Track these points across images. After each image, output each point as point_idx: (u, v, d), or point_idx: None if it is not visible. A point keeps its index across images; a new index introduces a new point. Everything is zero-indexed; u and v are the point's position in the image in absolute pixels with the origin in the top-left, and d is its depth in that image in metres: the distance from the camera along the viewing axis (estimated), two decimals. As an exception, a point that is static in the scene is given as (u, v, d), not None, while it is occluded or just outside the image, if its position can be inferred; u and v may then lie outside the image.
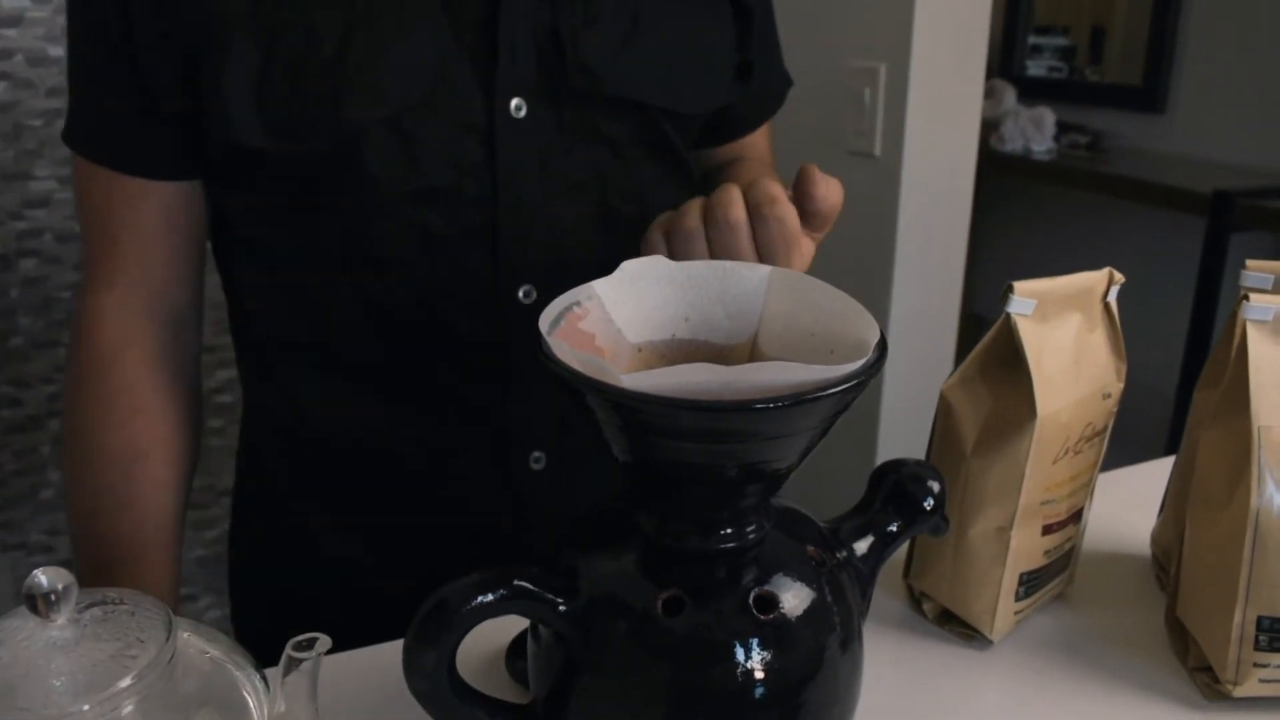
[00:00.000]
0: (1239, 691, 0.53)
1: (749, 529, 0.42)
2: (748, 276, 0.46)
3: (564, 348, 0.38)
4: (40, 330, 1.49)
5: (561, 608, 0.41)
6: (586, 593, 0.41)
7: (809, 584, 0.42)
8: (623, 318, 0.46)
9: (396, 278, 0.63)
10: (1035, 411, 0.53)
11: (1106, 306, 0.58)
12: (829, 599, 0.43)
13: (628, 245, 0.57)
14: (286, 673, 0.43)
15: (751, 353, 0.46)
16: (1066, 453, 0.56)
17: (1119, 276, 0.57)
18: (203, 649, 0.46)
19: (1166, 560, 0.65)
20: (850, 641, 0.44)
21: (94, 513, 0.65)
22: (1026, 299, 0.53)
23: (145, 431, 0.66)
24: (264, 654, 0.46)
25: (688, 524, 0.42)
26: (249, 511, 0.79)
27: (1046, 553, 0.59)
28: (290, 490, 0.74)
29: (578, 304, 0.44)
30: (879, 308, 1.54)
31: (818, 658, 0.42)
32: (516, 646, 0.58)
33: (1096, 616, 0.63)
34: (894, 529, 0.48)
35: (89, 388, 0.66)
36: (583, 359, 0.37)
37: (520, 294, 0.64)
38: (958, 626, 0.60)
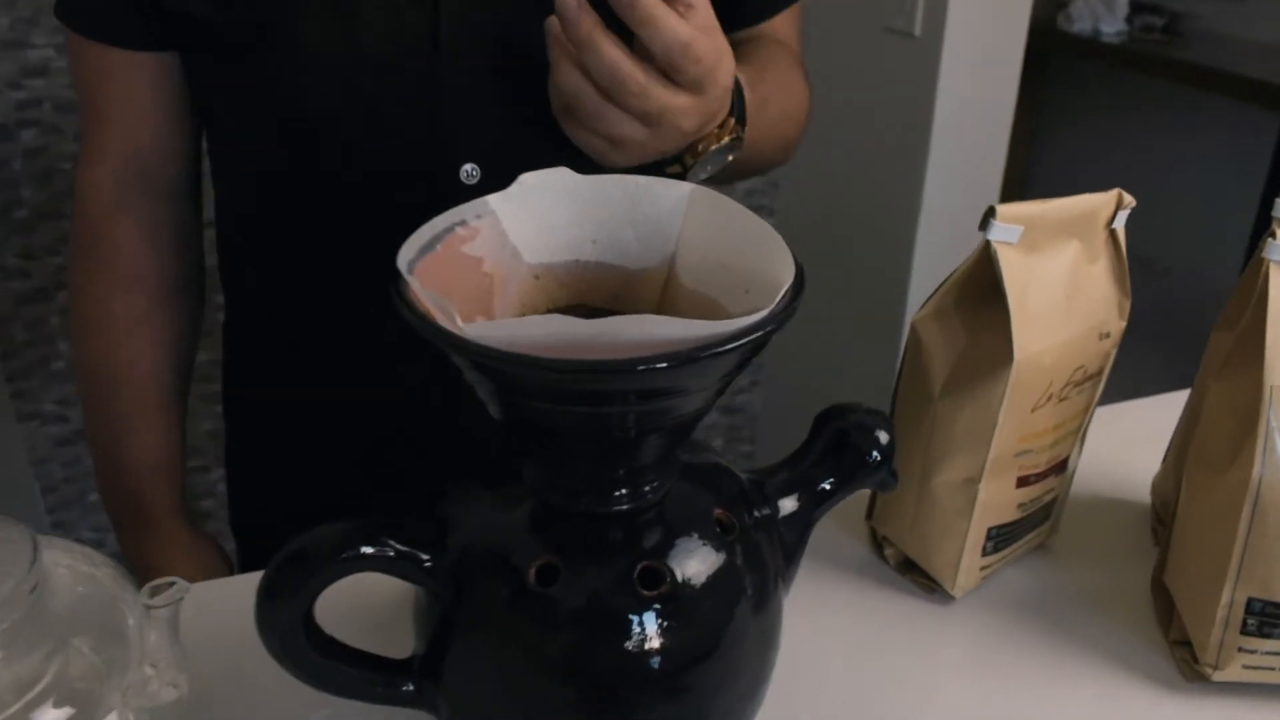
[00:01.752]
0: (1219, 676, 0.48)
1: (644, 488, 0.37)
2: (664, 195, 0.39)
3: (418, 286, 0.32)
4: (44, 202, 1.46)
5: (426, 564, 0.37)
6: (456, 548, 0.37)
7: (711, 553, 0.37)
8: (521, 238, 0.40)
9: (336, 152, 0.61)
10: (1012, 354, 0.47)
11: (1112, 234, 0.50)
12: (738, 566, 0.38)
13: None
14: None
15: (666, 281, 0.40)
16: (1049, 399, 0.50)
17: (1129, 199, 0.49)
18: (82, 571, 0.44)
19: (1165, 513, 0.58)
20: (763, 612, 0.39)
21: (98, 376, 0.68)
22: (1010, 225, 0.46)
23: (144, 297, 0.68)
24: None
25: (571, 482, 0.37)
26: (234, 400, 0.78)
27: (1021, 506, 0.53)
28: (256, 367, 0.74)
29: (463, 223, 0.38)
30: (908, 203, 1.45)
31: (714, 636, 0.37)
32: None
33: (1077, 573, 0.57)
34: (828, 486, 0.43)
35: (88, 256, 0.68)
36: (433, 300, 0.32)
37: (463, 173, 0.61)
38: (919, 577, 0.55)
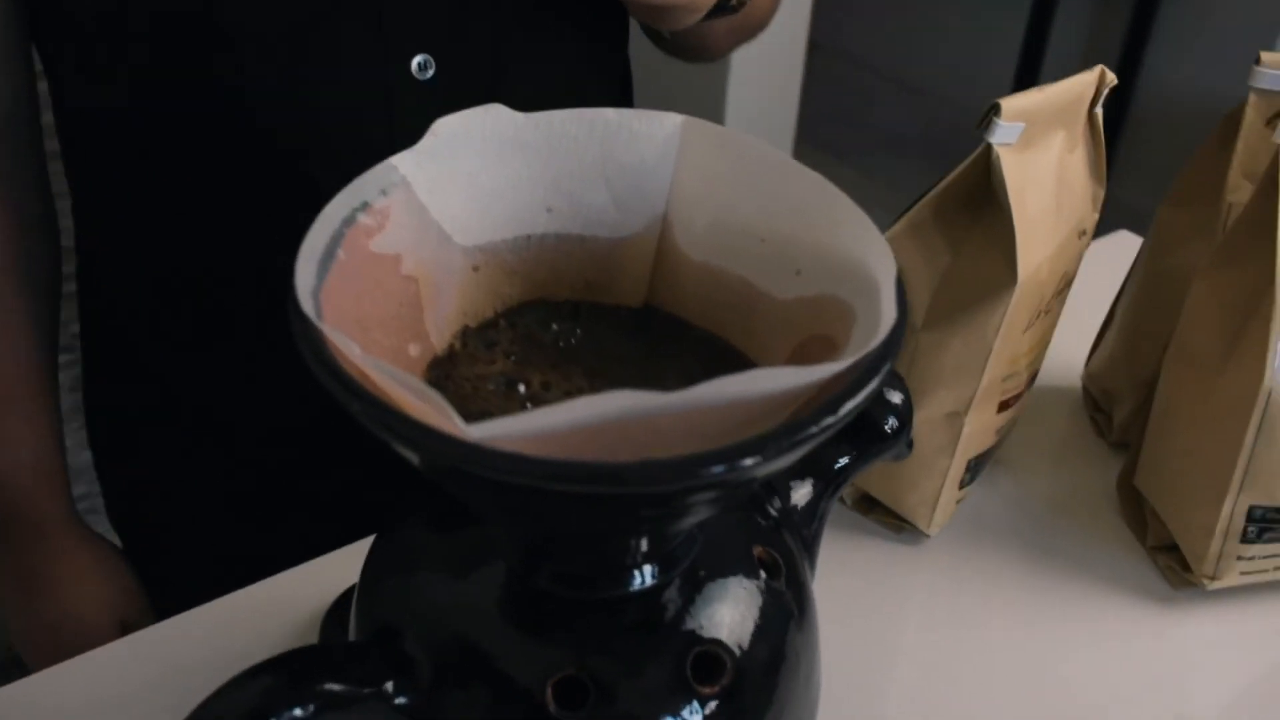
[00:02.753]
0: (1215, 585, 0.45)
1: (677, 555, 0.28)
2: (646, 133, 0.28)
3: (357, 352, 0.20)
4: None
5: (397, 699, 0.26)
6: (427, 667, 0.27)
7: (766, 610, 0.29)
8: (447, 213, 0.28)
9: (249, 48, 0.47)
10: (1015, 275, 0.40)
11: (1092, 118, 0.44)
12: (789, 610, 0.30)
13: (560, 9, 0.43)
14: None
15: (659, 254, 0.29)
16: (1039, 315, 0.44)
17: (1110, 77, 0.42)
18: None
19: (1106, 402, 0.55)
20: (812, 643, 0.31)
21: None
22: (1014, 123, 0.38)
23: None
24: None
25: (583, 570, 0.27)
26: (93, 385, 0.62)
27: (999, 430, 0.47)
28: (137, 339, 0.57)
29: (365, 207, 0.25)
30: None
31: (778, 704, 0.29)
32: (334, 619, 0.43)
33: (1033, 481, 0.53)
34: (843, 463, 0.36)
35: None
36: (403, 381, 0.20)
37: (414, 66, 0.48)
38: (885, 516, 0.49)
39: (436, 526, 0.30)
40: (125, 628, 0.55)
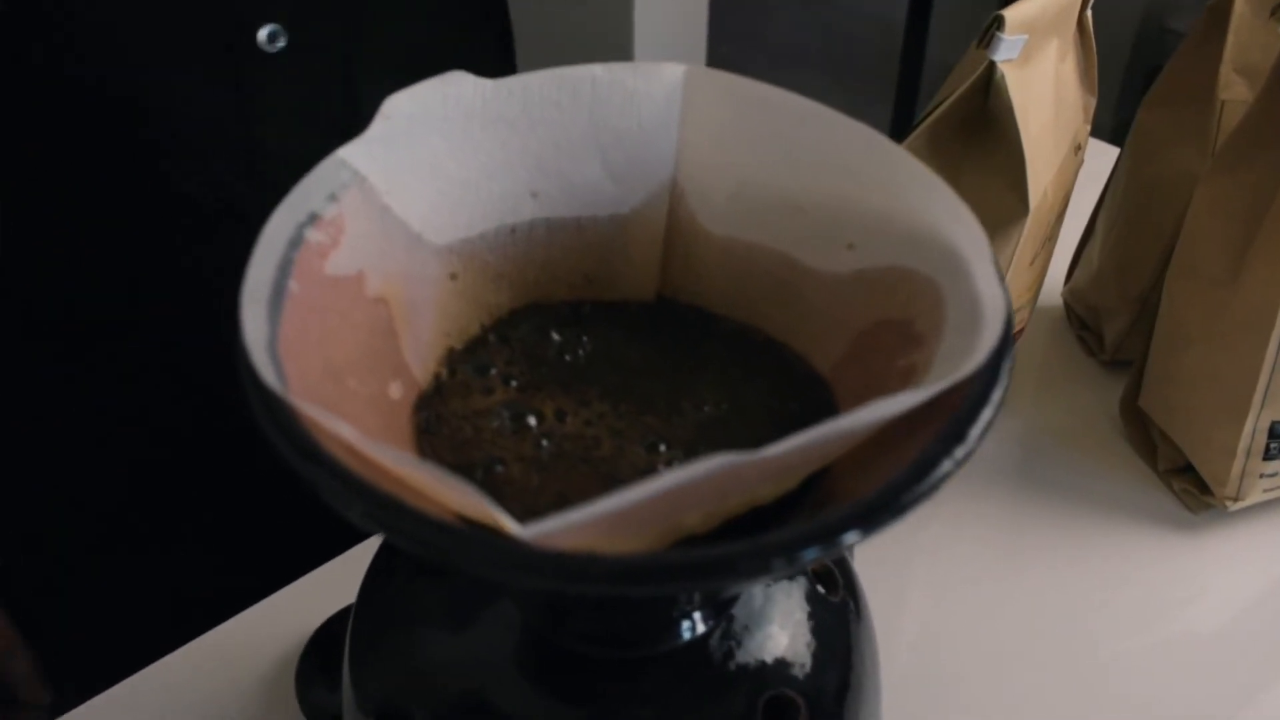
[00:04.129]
0: (1239, 506, 0.44)
1: (733, 597, 0.24)
2: (644, 91, 0.23)
3: (340, 427, 0.15)
4: None
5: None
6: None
7: (830, 632, 0.25)
8: (414, 209, 0.22)
9: (67, 21, 0.40)
10: (1027, 204, 0.36)
11: (1082, 22, 0.40)
12: (851, 622, 0.26)
13: None
14: None
15: (670, 228, 0.24)
16: (1045, 243, 0.40)
17: (1103, -29, 0.39)
18: None
19: (1094, 320, 0.53)
20: (876, 654, 0.28)
21: None
22: (1017, 36, 0.34)
23: None
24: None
25: (623, 630, 0.22)
26: None
27: (1003, 369, 0.44)
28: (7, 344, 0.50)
29: (314, 219, 0.20)
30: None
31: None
32: (311, 664, 0.38)
33: (1029, 411, 0.51)
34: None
35: None
36: (403, 460, 0.15)
37: (262, 38, 0.42)
38: (887, 470, 0.46)
39: (431, 574, 0.26)
40: None
